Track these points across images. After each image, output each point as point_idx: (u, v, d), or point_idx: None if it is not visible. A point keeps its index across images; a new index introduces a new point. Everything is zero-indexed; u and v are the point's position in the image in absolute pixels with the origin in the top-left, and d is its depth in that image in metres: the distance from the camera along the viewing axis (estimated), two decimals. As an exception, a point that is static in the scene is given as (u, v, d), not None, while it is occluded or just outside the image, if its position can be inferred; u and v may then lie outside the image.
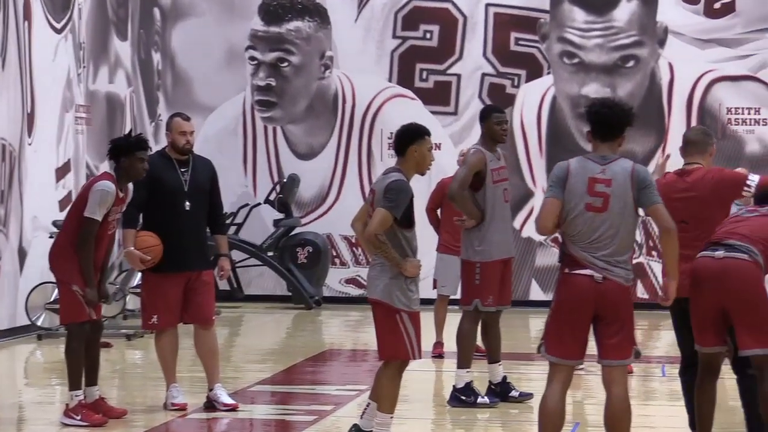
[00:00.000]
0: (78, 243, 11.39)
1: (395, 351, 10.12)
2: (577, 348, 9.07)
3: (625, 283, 8.95)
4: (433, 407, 12.98)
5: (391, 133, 21.46)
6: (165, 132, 12.49)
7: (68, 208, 12.65)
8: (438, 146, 21.73)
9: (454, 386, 12.55)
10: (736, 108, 22.09)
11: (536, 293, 22.02)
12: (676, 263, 8.99)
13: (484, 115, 12.96)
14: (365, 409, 10.37)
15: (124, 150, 11.52)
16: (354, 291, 22.48)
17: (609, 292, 8.92)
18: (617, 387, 9.08)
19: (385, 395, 10.16)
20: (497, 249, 12.52)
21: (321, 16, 22.81)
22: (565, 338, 9.09)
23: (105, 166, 20.28)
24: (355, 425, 10.34)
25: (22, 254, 17.80)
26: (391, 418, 10.15)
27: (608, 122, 9.09)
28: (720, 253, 9.39)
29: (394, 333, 10.05)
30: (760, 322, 9.32)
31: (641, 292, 21.35)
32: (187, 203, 12.10)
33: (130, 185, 11.66)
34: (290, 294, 22.02)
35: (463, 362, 12.51)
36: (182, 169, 12.20)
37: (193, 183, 12.19)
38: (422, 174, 10.46)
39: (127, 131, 12.50)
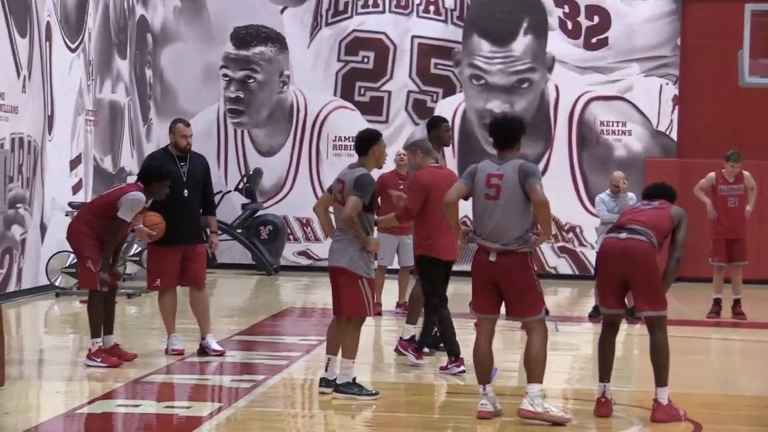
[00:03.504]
0: (108, 236, 11.33)
1: (357, 309, 10.05)
2: (489, 305, 9.28)
3: (517, 255, 9.13)
4: (374, 353, 12.84)
5: (336, 136, 21.95)
6: (168, 133, 12.31)
7: (92, 199, 12.52)
8: (372, 148, 21.71)
9: (400, 338, 12.41)
10: (607, 121, 22.17)
11: (448, 265, 21.97)
12: (550, 226, 9.19)
13: (434, 124, 12.67)
14: (327, 363, 10.21)
15: (156, 178, 11.51)
16: (305, 261, 22.41)
17: (504, 266, 9.18)
18: (532, 336, 9.22)
19: (348, 344, 10.09)
20: None
21: (280, 42, 22.66)
22: (481, 300, 9.30)
23: (108, 160, 20.18)
24: (322, 378, 10.20)
25: (43, 228, 17.61)
26: (353, 362, 10.07)
27: (503, 135, 9.33)
28: (624, 235, 9.41)
29: (358, 295, 9.99)
30: (652, 290, 9.33)
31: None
32: (185, 191, 12.01)
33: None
34: (254, 263, 21.92)
35: (412, 319, 12.36)
36: (181, 164, 12.09)
37: (190, 175, 12.09)
38: (380, 168, 10.46)
39: (149, 160, 12.38)
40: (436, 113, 21.84)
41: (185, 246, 11.98)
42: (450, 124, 13.84)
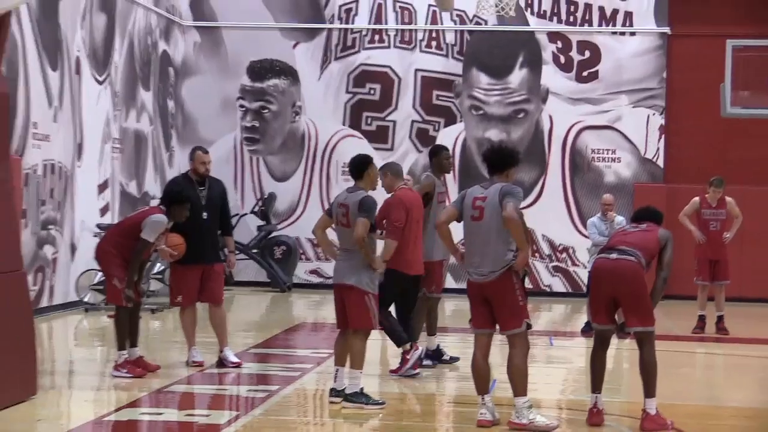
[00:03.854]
0: (132, 255, 11.33)
1: (365, 323, 10.10)
2: (483, 321, 9.32)
3: (500, 273, 9.13)
4: (380, 366, 12.81)
5: (345, 163, 21.91)
6: (189, 160, 12.32)
7: (118, 221, 12.53)
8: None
9: (427, 348, 12.43)
10: (598, 149, 22.15)
11: (450, 282, 21.93)
12: (523, 242, 9.10)
13: (436, 152, 12.65)
14: (335, 374, 10.22)
15: (177, 201, 11.53)
16: (316, 279, 22.35)
17: (490, 283, 9.22)
18: (512, 349, 9.28)
19: (356, 355, 10.12)
20: (437, 251, 12.32)
21: (293, 75, 22.67)
22: (475, 316, 9.37)
23: (133, 185, 20.19)
24: (332, 388, 10.22)
25: (72, 248, 17.60)
26: (361, 372, 10.10)
27: (492, 161, 9.43)
28: (614, 256, 9.39)
29: (365, 309, 10.04)
30: (640, 307, 9.32)
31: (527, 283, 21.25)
32: (204, 213, 12.01)
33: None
34: (269, 281, 21.87)
35: (414, 335, 12.32)
36: (200, 188, 12.08)
37: (208, 199, 12.10)
38: (374, 189, 10.40)
39: (171, 185, 12.39)
40: (438, 141, 21.88)
41: (204, 265, 11.99)
42: (450, 151, 13.80)
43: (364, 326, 10.10)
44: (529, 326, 9.23)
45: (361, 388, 10.05)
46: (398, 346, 11.74)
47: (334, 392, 10.16)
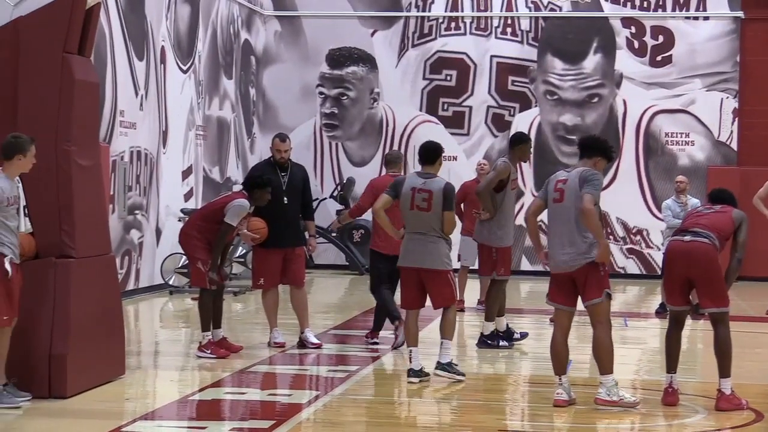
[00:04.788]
0: (216, 239, 11.36)
1: (451, 298, 10.28)
2: (564, 297, 9.23)
3: (582, 263, 9.06)
4: (457, 347, 12.78)
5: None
6: (270, 146, 12.33)
7: (202, 206, 12.63)
8: (455, 158, 21.68)
9: (482, 333, 12.38)
10: (671, 133, 21.92)
11: (525, 264, 21.88)
12: (600, 234, 9.02)
13: (520, 140, 12.45)
14: (410, 356, 10.22)
15: (259, 186, 11.51)
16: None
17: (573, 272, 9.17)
18: (596, 327, 9.18)
19: (449, 325, 10.29)
20: (507, 238, 12.35)
21: (371, 62, 22.68)
22: (555, 291, 9.30)
23: (216, 170, 20.33)
24: (410, 369, 10.20)
25: (158, 232, 17.78)
26: (451, 342, 10.38)
27: (582, 146, 9.44)
28: (688, 238, 9.25)
29: (448, 286, 10.22)
30: (715, 288, 9.17)
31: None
32: (285, 198, 11.98)
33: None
34: (348, 264, 21.93)
35: (490, 317, 12.34)
36: (282, 173, 12.07)
37: (289, 184, 12.07)
38: None
39: (253, 171, 12.44)
40: (513, 127, 21.81)
41: (286, 249, 12.00)
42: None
43: (450, 301, 10.27)
44: (609, 296, 9.12)
45: (451, 360, 10.20)
46: (392, 322, 11.98)
47: (412, 372, 10.15)
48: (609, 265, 9.21)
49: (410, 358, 10.22)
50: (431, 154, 10.30)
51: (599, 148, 9.36)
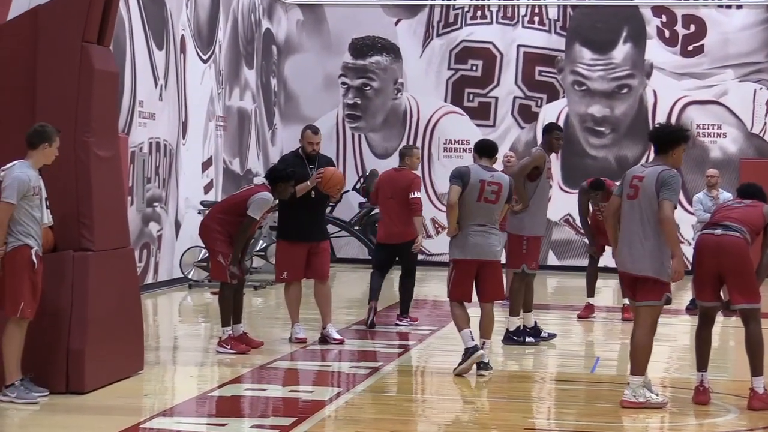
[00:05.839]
0: (238, 233, 11.37)
1: (503, 293, 10.93)
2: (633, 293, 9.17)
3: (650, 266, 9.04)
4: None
5: (446, 139, 21.96)
6: (299, 138, 12.29)
7: (224, 198, 12.65)
8: (480, 150, 21.62)
9: (507, 329, 12.38)
10: (703, 124, 21.84)
11: (552, 259, 21.83)
12: (676, 245, 8.91)
13: (549, 130, 12.59)
14: (483, 347, 10.41)
15: (283, 178, 11.51)
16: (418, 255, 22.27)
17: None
18: (637, 324, 9.13)
19: (489, 326, 10.62)
20: (539, 227, 12.37)
21: (395, 52, 22.68)
22: (623, 287, 9.65)
23: (237, 162, 20.37)
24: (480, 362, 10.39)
25: (177, 225, 17.83)
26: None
27: (657, 140, 9.20)
28: (718, 231, 9.21)
29: (501, 281, 10.64)
30: (745, 284, 9.14)
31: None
32: (312, 192, 11.94)
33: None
34: (370, 258, 21.86)
35: (515, 311, 12.34)
36: (310, 166, 12.04)
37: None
38: None
39: (280, 163, 12.43)
40: (541, 118, 21.78)
41: (310, 243, 12.00)
42: (540, 127, 13.94)
43: (502, 297, 10.83)
44: (668, 300, 9.07)
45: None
46: (368, 301, 13.46)
47: (482, 365, 10.36)
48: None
49: (484, 353, 10.37)
50: (493, 150, 10.74)
51: (676, 138, 9.10)
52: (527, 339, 12.26)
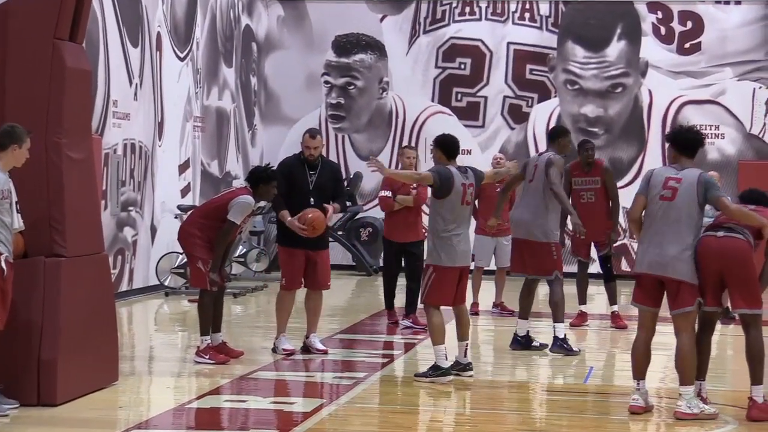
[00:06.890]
0: (218, 238, 11.34)
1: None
2: (647, 297, 9.31)
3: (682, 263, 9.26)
4: (472, 352, 12.81)
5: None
6: (300, 142, 12.20)
7: (204, 202, 12.63)
8: (469, 151, 21.68)
9: (515, 333, 12.62)
10: (700, 125, 21.76)
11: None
12: (763, 221, 9.23)
13: (561, 133, 12.75)
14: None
15: (264, 179, 11.45)
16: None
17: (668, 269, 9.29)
18: (679, 335, 9.24)
19: (468, 327, 11.09)
20: (558, 230, 12.75)
21: (380, 50, 22.71)
22: (639, 292, 9.38)
23: (215, 164, 20.37)
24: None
25: (153, 230, 17.81)
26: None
27: (684, 144, 9.44)
28: (721, 234, 9.26)
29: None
30: (748, 287, 9.18)
31: (624, 266, 21.17)
32: (312, 198, 11.84)
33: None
34: (354, 264, 21.95)
35: (524, 314, 12.60)
36: (311, 172, 11.91)
37: (317, 183, 11.89)
38: None
39: (263, 164, 12.36)
40: (532, 118, 21.82)
41: (309, 250, 11.92)
42: (545, 128, 14.00)
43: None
44: (700, 305, 9.19)
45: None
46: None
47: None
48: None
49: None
50: (459, 147, 11.08)
51: (701, 140, 9.50)
52: (534, 344, 12.56)
